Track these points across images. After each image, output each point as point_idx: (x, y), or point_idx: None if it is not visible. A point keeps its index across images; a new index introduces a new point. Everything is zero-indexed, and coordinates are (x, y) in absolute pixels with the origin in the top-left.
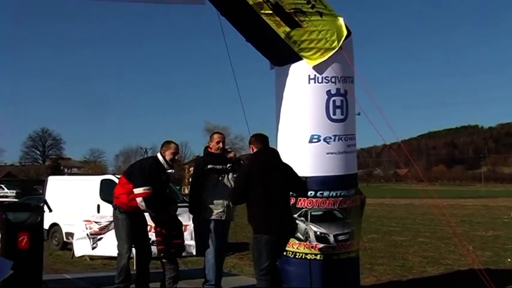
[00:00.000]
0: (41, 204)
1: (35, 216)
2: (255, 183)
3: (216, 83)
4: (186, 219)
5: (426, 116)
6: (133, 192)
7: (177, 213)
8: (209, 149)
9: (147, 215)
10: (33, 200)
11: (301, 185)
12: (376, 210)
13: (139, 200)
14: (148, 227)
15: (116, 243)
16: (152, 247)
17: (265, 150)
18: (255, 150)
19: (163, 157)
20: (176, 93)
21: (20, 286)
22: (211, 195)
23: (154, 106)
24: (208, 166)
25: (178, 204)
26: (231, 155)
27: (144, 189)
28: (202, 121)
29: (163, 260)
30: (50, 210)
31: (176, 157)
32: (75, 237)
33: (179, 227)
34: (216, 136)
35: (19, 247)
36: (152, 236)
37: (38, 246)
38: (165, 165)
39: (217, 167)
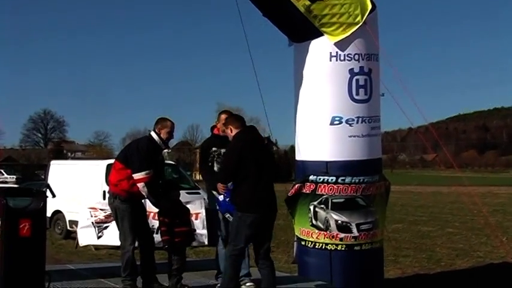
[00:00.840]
0: (44, 189)
1: (37, 201)
2: (248, 160)
3: (230, 63)
4: (197, 206)
5: (456, 97)
6: (132, 177)
7: (188, 200)
8: (215, 130)
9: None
10: (34, 186)
11: (276, 169)
12: (401, 198)
13: (141, 185)
14: (152, 214)
15: None
16: (156, 236)
17: (251, 129)
18: (233, 130)
19: (159, 135)
20: (187, 74)
21: (22, 276)
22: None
23: (163, 87)
24: (213, 149)
25: (189, 191)
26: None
27: (145, 174)
28: (214, 102)
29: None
30: (54, 196)
31: (172, 136)
32: (79, 225)
33: (182, 214)
34: (223, 116)
35: (20, 235)
36: (155, 223)
37: (41, 234)
38: (161, 145)
39: (222, 150)
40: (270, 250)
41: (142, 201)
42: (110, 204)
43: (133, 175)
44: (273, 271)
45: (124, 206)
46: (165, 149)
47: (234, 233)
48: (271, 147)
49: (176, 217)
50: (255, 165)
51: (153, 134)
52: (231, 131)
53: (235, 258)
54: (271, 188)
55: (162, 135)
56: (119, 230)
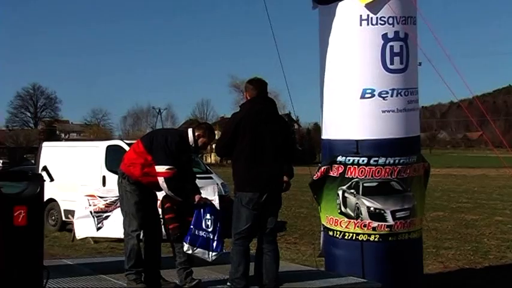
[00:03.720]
0: (40, 172)
1: (34, 186)
2: (244, 134)
3: (245, 29)
4: (210, 193)
5: (504, 65)
6: (149, 165)
7: (199, 186)
8: None
9: None
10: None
11: (291, 149)
12: (442, 182)
13: (161, 180)
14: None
15: None
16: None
17: (260, 99)
18: (249, 98)
19: (195, 140)
20: (196, 42)
21: (17, 271)
22: None
23: (168, 57)
24: None
25: (200, 176)
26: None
27: (167, 169)
28: (227, 75)
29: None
30: (51, 179)
31: (207, 148)
32: (76, 215)
33: (189, 204)
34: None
35: (15, 223)
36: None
37: (38, 223)
38: (192, 147)
39: None
40: (275, 234)
41: None
42: (118, 183)
43: (155, 167)
44: (276, 258)
45: (132, 187)
46: (193, 152)
47: (235, 215)
48: (291, 124)
49: (183, 205)
50: (254, 140)
51: (190, 133)
52: (246, 98)
53: (240, 243)
54: (275, 166)
55: (199, 142)
56: (123, 214)
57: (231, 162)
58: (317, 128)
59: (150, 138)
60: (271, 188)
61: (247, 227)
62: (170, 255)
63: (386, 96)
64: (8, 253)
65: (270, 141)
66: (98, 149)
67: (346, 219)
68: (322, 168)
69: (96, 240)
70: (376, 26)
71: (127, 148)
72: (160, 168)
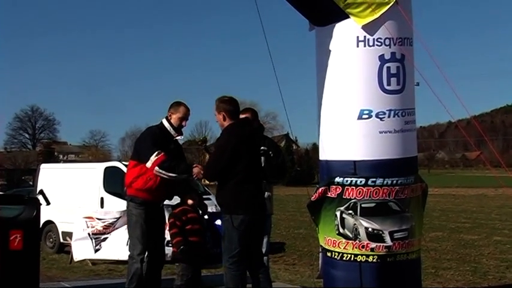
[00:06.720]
0: (37, 196)
1: (30, 210)
2: (239, 158)
3: (242, 50)
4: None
5: (502, 86)
6: (147, 172)
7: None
8: None
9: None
10: (22, 193)
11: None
12: (440, 202)
13: (155, 170)
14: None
15: (124, 244)
16: (166, 248)
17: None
18: (227, 120)
19: (170, 122)
20: (194, 63)
21: None
22: None
23: (167, 78)
24: None
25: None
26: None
27: (155, 156)
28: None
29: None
30: (48, 203)
31: (184, 123)
32: (74, 237)
33: (195, 221)
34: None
35: (11, 248)
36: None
37: (34, 247)
38: (172, 132)
39: None
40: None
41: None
42: (127, 208)
43: (146, 165)
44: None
45: (138, 211)
46: (177, 136)
47: (226, 239)
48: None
49: (188, 222)
50: (248, 163)
51: (164, 121)
52: (224, 119)
53: (235, 267)
54: (261, 188)
55: (173, 122)
56: (129, 237)
57: (218, 183)
58: (315, 149)
59: (134, 148)
60: (260, 210)
61: (240, 249)
62: (168, 277)
63: (384, 117)
64: (4, 277)
65: (257, 164)
66: (95, 171)
67: (344, 240)
68: (320, 189)
69: (94, 262)
70: (373, 47)
71: (125, 169)
72: (151, 160)
